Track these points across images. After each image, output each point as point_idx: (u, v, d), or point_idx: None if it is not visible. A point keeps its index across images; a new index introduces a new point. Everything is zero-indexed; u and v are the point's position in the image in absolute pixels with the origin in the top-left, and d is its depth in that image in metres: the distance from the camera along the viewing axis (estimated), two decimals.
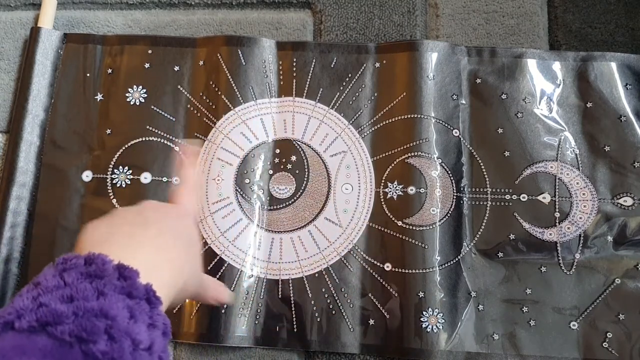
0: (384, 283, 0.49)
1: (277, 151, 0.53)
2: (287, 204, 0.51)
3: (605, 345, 0.47)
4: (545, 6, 0.57)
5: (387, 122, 0.52)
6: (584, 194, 0.50)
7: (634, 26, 0.56)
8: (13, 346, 0.21)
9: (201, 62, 0.55)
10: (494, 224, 0.50)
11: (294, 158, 0.52)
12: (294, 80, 0.54)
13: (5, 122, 0.55)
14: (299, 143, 0.53)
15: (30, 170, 0.52)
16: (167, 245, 0.31)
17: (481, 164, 0.51)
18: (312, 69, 0.54)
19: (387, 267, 0.49)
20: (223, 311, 0.48)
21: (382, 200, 0.51)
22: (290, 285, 0.49)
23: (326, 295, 0.49)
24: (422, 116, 0.52)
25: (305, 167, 0.52)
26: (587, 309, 0.48)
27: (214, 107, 0.53)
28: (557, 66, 0.53)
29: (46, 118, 0.53)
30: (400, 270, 0.49)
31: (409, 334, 0.47)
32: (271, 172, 0.52)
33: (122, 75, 0.54)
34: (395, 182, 0.51)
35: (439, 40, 0.55)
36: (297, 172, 0.52)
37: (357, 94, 0.53)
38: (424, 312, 0.47)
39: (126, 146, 0.53)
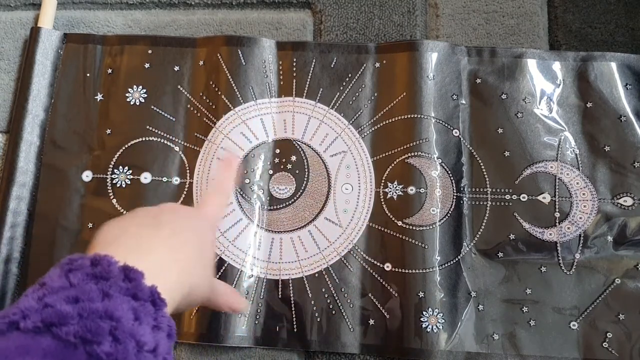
0: (384, 283, 0.49)
1: (277, 151, 0.53)
2: (287, 204, 0.51)
3: (605, 345, 0.47)
4: (545, 6, 0.57)
5: (387, 122, 0.52)
6: (584, 194, 0.50)
7: (634, 26, 0.56)
8: (17, 346, 0.21)
9: (201, 62, 0.55)
10: (494, 224, 0.50)
11: (294, 158, 0.52)
12: (294, 80, 0.54)
13: (5, 122, 0.55)
14: (299, 143, 0.53)
15: (30, 170, 0.52)
16: (177, 246, 0.31)
17: (481, 164, 0.51)
18: (312, 69, 0.54)
19: (387, 267, 0.49)
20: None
21: (382, 200, 0.51)
22: (290, 285, 0.49)
23: (326, 295, 0.49)
24: (422, 116, 0.52)
25: (305, 167, 0.52)
26: (587, 309, 0.48)
27: (214, 107, 0.53)
28: (557, 66, 0.53)
29: (46, 118, 0.54)
30: (400, 270, 0.49)
31: (409, 334, 0.47)
32: (271, 172, 0.52)
33: (122, 75, 0.54)
34: (395, 182, 0.51)
35: (439, 40, 0.55)
36: (297, 172, 0.52)
37: (357, 94, 0.53)
38: (424, 312, 0.47)
39: (126, 146, 0.53)
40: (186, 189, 0.52)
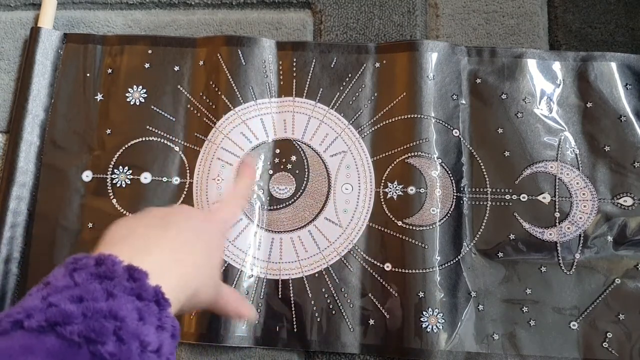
0: (384, 283, 0.49)
1: (277, 151, 0.53)
2: (287, 204, 0.51)
3: (605, 345, 0.47)
4: (545, 6, 0.57)
5: (387, 122, 0.52)
6: (584, 194, 0.50)
7: (634, 26, 0.56)
8: (21, 345, 0.21)
9: (201, 62, 0.55)
10: (494, 224, 0.50)
11: (294, 158, 0.52)
12: (294, 80, 0.54)
13: (5, 122, 0.55)
14: (299, 143, 0.53)
15: (30, 170, 0.52)
16: (183, 246, 0.30)
17: (481, 164, 0.51)
18: (312, 69, 0.54)
19: (387, 267, 0.49)
20: None
21: (382, 200, 0.51)
22: (290, 285, 0.49)
23: (326, 295, 0.49)
24: (422, 116, 0.52)
25: (305, 167, 0.52)
26: (587, 309, 0.48)
27: (214, 107, 0.53)
28: (557, 66, 0.53)
29: (46, 118, 0.53)
30: (400, 270, 0.49)
31: (409, 334, 0.47)
32: (271, 172, 0.52)
33: (122, 75, 0.54)
34: (395, 182, 0.51)
35: (439, 40, 0.55)
36: (297, 172, 0.52)
37: (357, 94, 0.53)
38: (424, 312, 0.47)
39: (126, 146, 0.53)
40: (186, 189, 0.52)
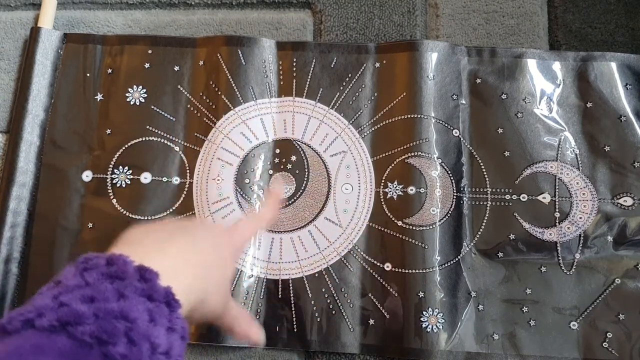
0: (384, 283, 0.49)
1: (277, 151, 0.53)
2: (287, 204, 0.51)
3: (605, 345, 0.47)
4: (545, 6, 0.57)
5: (387, 122, 0.52)
6: (584, 194, 0.50)
7: (634, 26, 0.56)
8: (32, 345, 0.21)
9: (201, 62, 0.55)
10: (494, 224, 0.50)
11: (294, 158, 0.52)
12: (294, 80, 0.54)
13: (5, 122, 0.55)
14: (299, 143, 0.53)
15: (30, 170, 0.52)
16: (196, 251, 0.31)
17: (481, 164, 0.51)
18: (312, 69, 0.54)
19: (387, 267, 0.49)
20: None
21: (382, 200, 0.51)
22: (290, 285, 0.49)
23: (326, 295, 0.49)
24: (422, 116, 0.52)
25: (305, 167, 0.52)
26: (587, 309, 0.48)
27: (214, 107, 0.53)
28: (557, 66, 0.53)
29: (46, 118, 0.53)
30: (400, 270, 0.49)
31: (409, 334, 0.47)
32: (271, 172, 0.52)
33: (122, 75, 0.54)
34: (395, 182, 0.51)
35: (439, 40, 0.55)
36: (297, 172, 0.52)
37: (357, 94, 0.53)
38: (424, 312, 0.47)
39: (126, 146, 0.53)
40: (186, 189, 0.52)
